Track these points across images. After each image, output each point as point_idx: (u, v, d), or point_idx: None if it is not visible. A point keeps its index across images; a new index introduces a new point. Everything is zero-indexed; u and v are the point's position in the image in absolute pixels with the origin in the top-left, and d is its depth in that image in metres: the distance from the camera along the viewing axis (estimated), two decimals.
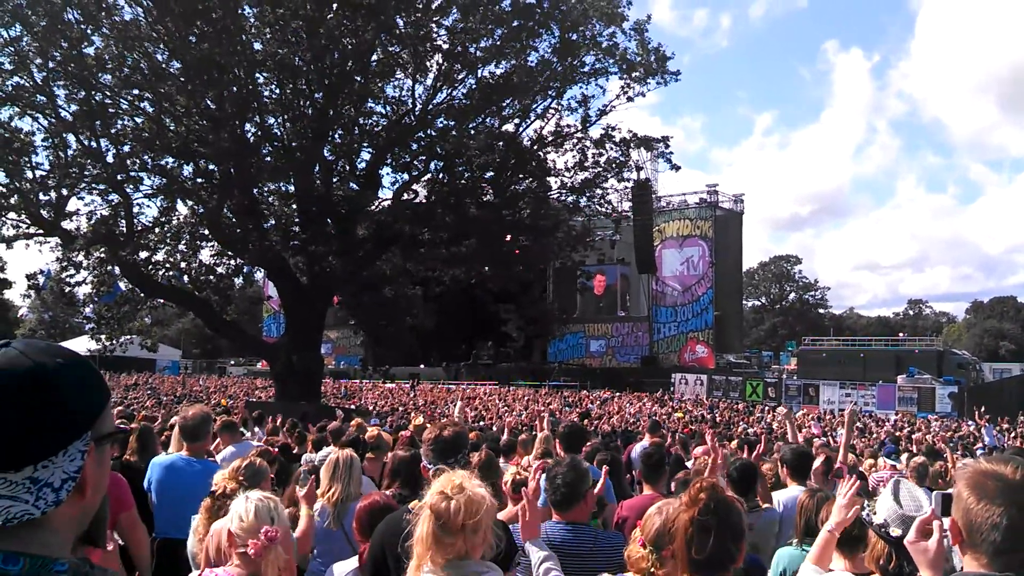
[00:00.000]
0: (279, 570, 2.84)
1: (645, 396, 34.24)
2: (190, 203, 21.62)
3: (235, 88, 19.48)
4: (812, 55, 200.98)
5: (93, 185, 20.44)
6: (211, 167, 20.97)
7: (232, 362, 60.00)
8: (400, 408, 23.70)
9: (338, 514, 4.37)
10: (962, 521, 1.77)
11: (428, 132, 22.31)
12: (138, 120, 20.31)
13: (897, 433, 18.94)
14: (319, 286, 20.99)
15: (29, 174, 19.70)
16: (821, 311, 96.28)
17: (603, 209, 24.90)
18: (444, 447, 3.84)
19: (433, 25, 21.10)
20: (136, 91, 19.80)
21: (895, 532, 2.76)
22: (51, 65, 18.83)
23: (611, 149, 23.23)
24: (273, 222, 22.24)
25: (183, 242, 21.40)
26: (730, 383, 38.48)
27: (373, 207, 22.88)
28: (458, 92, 22.49)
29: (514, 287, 32.44)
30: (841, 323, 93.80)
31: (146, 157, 20.32)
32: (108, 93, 19.65)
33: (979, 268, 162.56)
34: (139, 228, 21.47)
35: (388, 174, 25.34)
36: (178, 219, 21.93)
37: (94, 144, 19.55)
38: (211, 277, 21.93)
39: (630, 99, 23.28)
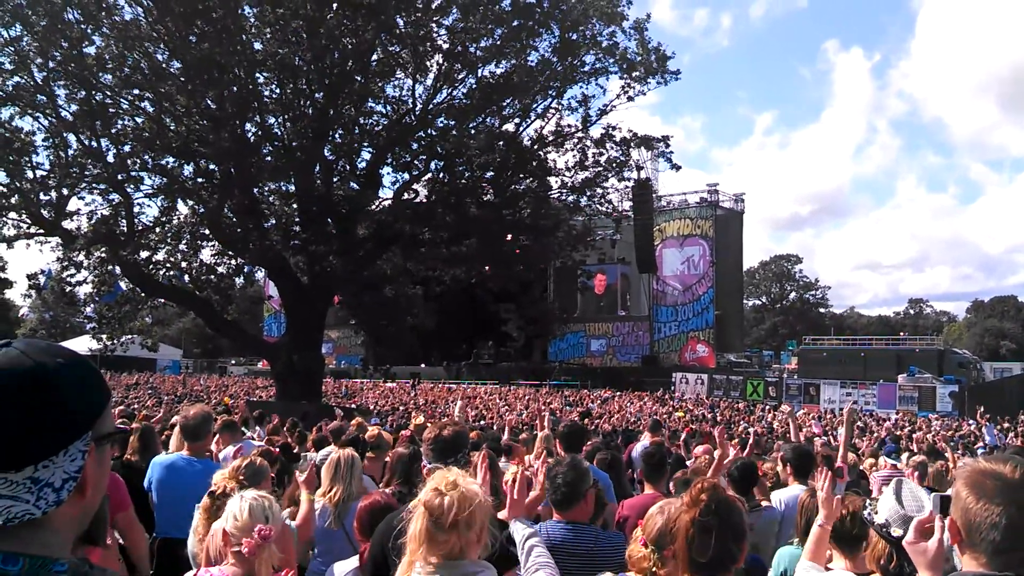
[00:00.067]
0: (274, 567, 2.85)
1: (646, 395, 34.26)
2: (191, 203, 21.62)
3: (235, 88, 19.48)
4: (812, 55, 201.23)
5: (94, 185, 20.45)
6: (211, 167, 20.97)
7: (233, 362, 60.01)
8: (401, 407, 23.71)
9: (339, 514, 4.37)
10: (961, 520, 1.77)
11: (428, 132, 22.31)
12: (138, 120, 20.31)
13: (898, 432, 18.94)
14: (320, 286, 20.99)
15: (30, 174, 19.70)
16: (822, 310, 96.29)
17: (603, 209, 24.89)
18: (444, 446, 3.84)
19: (433, 25, 21.09)
20: (136, 91, 19.80)
21: (896, 532, 2.76)
22: (51, 65, 18.83)
23: (611, 149, 23.23)
24: (274, 222, 22.24)
25: (184, 242, 21.40)
26: (731, 382, 38.48)
27: (373, 207, 22.88)
28: (458, 92, 22.50)
29: (514, 287, 32.40)
30: (842, 322, 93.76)
31: (147, 157, 20.32)
32: (108, 93, 19.65)
33: (979, 268, 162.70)
34: (140, 228, 21.47)
35: (388, 174, 25.40)
36: (179, 219, 21.94)
37: (94, 144, 19.55)
38: (212, 277, 21.93)
39: (630, 99, 23.28)
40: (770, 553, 4.41)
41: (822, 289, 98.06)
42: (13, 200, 19.51)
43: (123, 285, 22.02)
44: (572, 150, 23.53)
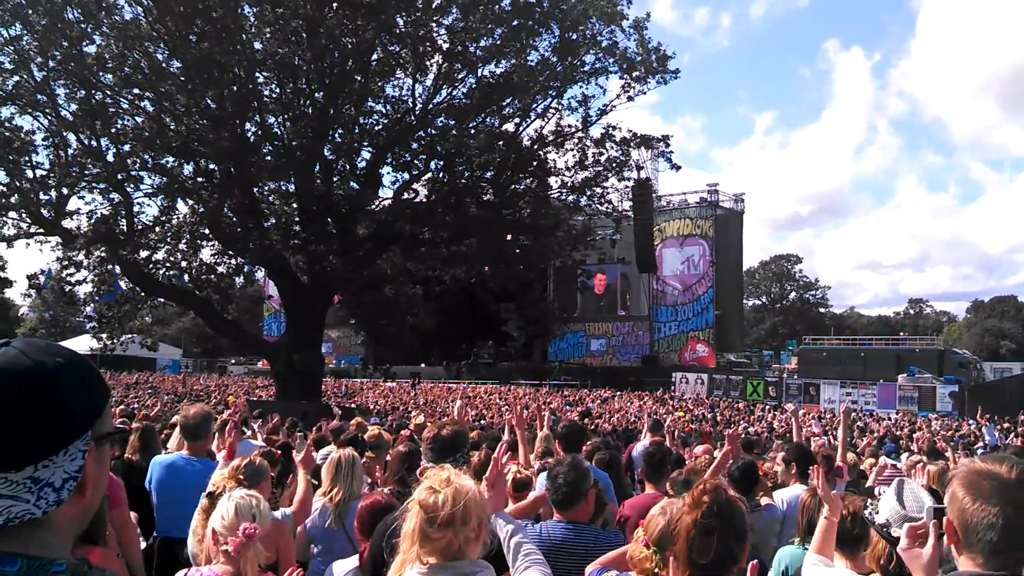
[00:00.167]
0: (261, 566, 2.86)
1: (646, 395, 34.26)
2: (190, 202, 21.61)
3: (235, 87, 19.47)
4: (813, 54, 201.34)
5: (93, 184, 20.43)
6: (211, 166, 20.96)
7: (233, 361, 60.00)
8: (400, 407, 23.71)
9: (339, 513, 4.38)
10: (958, 521, 1.77)
11: (428, 131, 22.30)
12: (138, 119, 20.31)
13: (897, 432, 18.94)
14: (320, 285, 20.99)
15: (29, 173, 19.69)
16: (822, 310, 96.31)
17: (603, 208, 24.88)
18: (443, 446, 3.84)
19: (433, 24, 21.09)
20: (136, 90, 19.80)
21: (897, 532, 2.76)
22: (51, 64, 18.81)
23: (611, 148, 23.22)
24: (273, 221, 22.22)
25: (183, 241, 21.38)
26: (731, 382, 38.49)
27: (373, 206, 22.87)
28: (458, 91, 22.49)
29: (514, 286, 32.40)
30: (842, 322, 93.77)
31: (146, 156, 20.31)
32: (108, 92, 19.65)
33: (980, 267, 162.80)
34: (139, 227, 21.46)
35: (388, 173, 25.40)
36: (178, 218, 21.92)
37: (94, 143, 19.54)
38: (212, 276, 21.92)
39: (630, 98, 23.27)
40: (771, 553, 4.41)
41: (822, 289, 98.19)
42: (13, 199, 19.49)
43: (123, 284, 22.02)
44: (572, 150, 23.54)
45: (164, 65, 19.72)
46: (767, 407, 29.15)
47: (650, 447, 6.41)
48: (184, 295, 22.47)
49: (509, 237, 23.36)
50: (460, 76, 22.12)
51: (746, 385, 37.24)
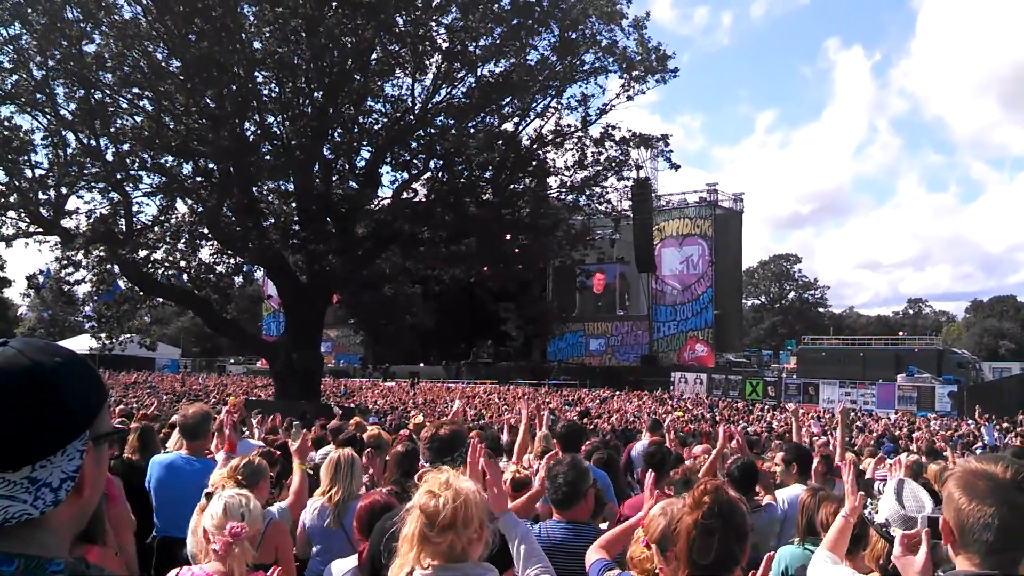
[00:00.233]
0: (249, 565, 2.87)
1: (645, 395, 34.26)
2: (189, 202, 21.62)
3: (234, 87, 19.47)
4: (813, 53, 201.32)
5: (92, 183, 20.43)
6: (211, 166, 20.96)
7: (232, 361, 59.98)
8: (400, 407, 23.70)
9: (339, 513, 4.37)
10: (954, 521, 1.78)
11: (428, 131, 22.31)
12: (137, 118, 20.30)
13: (896, 432, 18.95)
14: (319, 284, 20.98)
15: (28, 172, 19.69)
16: (821, 310, 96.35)
17: (602, 208, 24.89)
18: (442, 445, 3.83)
19: (432, 24, 21.09)
20: (136, 89, 19.79)
21: (895, 532, 2.76)
22: (51, 63, 18.80)
23: (611, 148, 23.23)
24: (272, 221, 22.23)
25: (182, 241, 21.39)
26: (730, 382, 38.50)
27: (373, 206, 22.87)
28: (457, 91, 22.50)
29: (514, 286, 32.42)
30: (841, 322, 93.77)
31: (145, 155, 20.30)
32: (108, 91, 19.64)
33: (980, 267, 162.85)
34: (138, 227, 21.45)
35: (387, 173, 25.37)
36: (177, 218, 21.93)
37: (93, 142, 19.53)
38: (211, 276, 21.93)
39: (630, 98, 23.29)
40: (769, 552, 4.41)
41: (821, 289, 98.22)
42: (12, 199, 19.49)
43: (122, 284, 22.02)
44: (571, 149, 23.56)
45: (163, 64, 19.71)
46: (766, 407, 29.16)
47: (650, 447, 6.41)
48: (183, 294, 22.46)
49: (508, 237, 23.37)
50: (459, 75, 22.12)
51: (745, 385, 37.25)
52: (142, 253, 20.92)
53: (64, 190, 20.17)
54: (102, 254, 20.07)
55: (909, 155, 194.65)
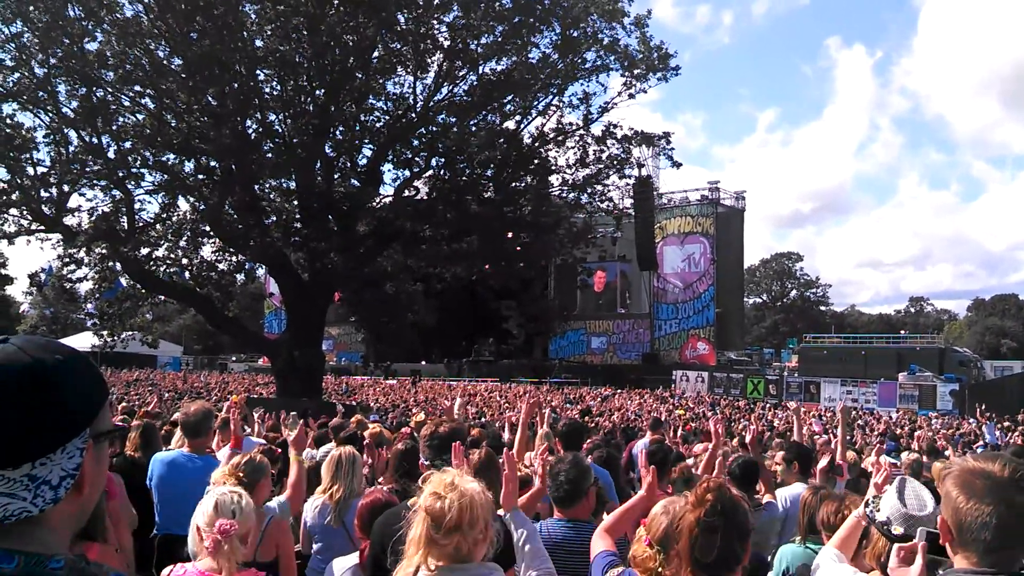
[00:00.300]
0: (240, 563, 2.87)
1: (646, 393, 34.23)
2: (191, 199, 21.63)
3: (236, 85, 19.48)
4: (814, 52, 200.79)
5: (94, 181, 20.47)
6: (212, 163, 20.97)
7: (233, 358, 60.00)
8: (401, 404, 23.70)
9: (340, 511, 4.37)
10: (952, 520, 1.78)
11: (429, 129, 22.31)
12: (139, 116, 20.33)
13: (898, 431, 18.93)
14: (320, 282, 21.00)
15: (30, 170, 19.72)
16: (822, 308, 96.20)
17: (604, 206, 24.89)
18: (441, 443, 3.83)
19: (434, 22, 21.09)
20: (137, 87, 19.82)
21: (896, 530, 2.75)
22: (52, 61, 18.84)
23: (612, 146, 23.24)
24: (274, 218, 22.25)
25: (184, 238, 21.41)
26: (731, 380, 38.45)
27: (374, 203, 22.89)
28: (459, 89, 22.52)
29: (515, 284, 32.41)
30: (842, 320, 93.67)
31: (147, 153, 20.34)
32: (109, 89, 19.66)
33: (981, 265, 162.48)
34: (140, 224, 21.48)
35: (389, 170, 25.38)
36: (179, 215, 21.96)
37: (95, 140, 19.56)
38: (212, 273, 21.96)
39: (631, 96, 23.31)
40: (770, 550, 4.41)
41: (823, 287, 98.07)
42: (14, 196, 19.53)
43: (124, 281, 22.04)
44: (573, 147, 23.59)
45: (165, 62, 19.73)
46: (768, 405, 29.12)
47: (651, 445, 6.41)
48: (185, 292, 22.49)
49: (510, 234, 23.37)
50: (461, 73, 22.13)
51: (747, 383, 37.20)
52: (144, 251, 20.95)
53: (66, 188, 20.21)
54: (104, 251, 20.09)
55: (910, 154, 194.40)
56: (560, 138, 23.65)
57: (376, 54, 21.18)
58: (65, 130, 19.68)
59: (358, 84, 20.50)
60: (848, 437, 9.64)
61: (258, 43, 20.22)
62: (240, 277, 24.60)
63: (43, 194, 19.85)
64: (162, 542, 4.86)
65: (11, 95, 19.04)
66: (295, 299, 21.88)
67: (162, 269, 21.84)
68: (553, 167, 24.13)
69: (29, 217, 20.07)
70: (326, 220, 21.45)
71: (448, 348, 49.90)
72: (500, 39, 21.29)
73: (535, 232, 23.45)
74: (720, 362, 46.22)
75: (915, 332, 68.59)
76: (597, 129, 23.36)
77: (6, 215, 19.97)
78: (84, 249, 19.99)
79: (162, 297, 23.35)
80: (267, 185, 22.69)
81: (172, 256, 21.68)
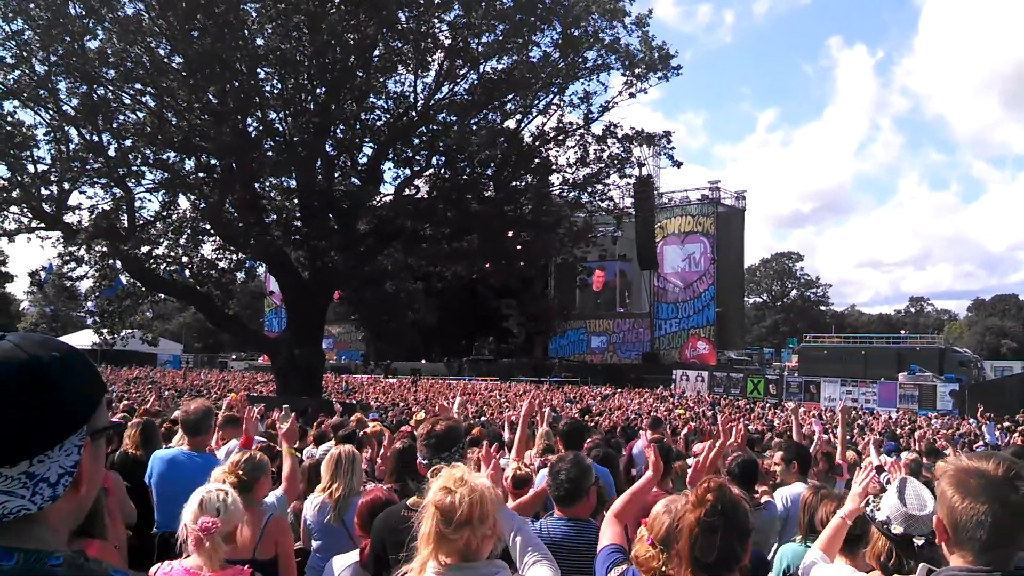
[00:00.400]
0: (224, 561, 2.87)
1: (646, 392, 34.23)
2: (192, 197, 21.63)
3: (237, 83, 19.48)
4: (815, 51, 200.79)
5: (95, 179, 20.47)
6: (213, 162, 20.97)
7: (233, 356, 59.96)
8: (401, 403, 23.70)
9: (339, 510, 4.37)
10: (947, 519, 1.79)
11: (430, 127, 22.30)
12: (140, 114, 20.32)
13: (897, 431, 18.91)
14: (321, 281, 21.00)
15: (31, 168, 19.71)
16: (823, 308, 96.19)
17: (605, 205, 24.90)
18: (438, 441, 3.81)
19: (435, 20, 21.09)
20: (138, 85, 19.81)
21: (896, 530, 2.76)
22: (53, 59, 18.83)
23: (613, 145, 23.25)
24: (275, 217, 22.24)
25: (184, 236, 21.41)
26: (731, 380, 38.45)
27: (375, 202, 22.88)
28: (460, 87, 22.52)
29: (515, 283, 32.41)
30: (842, 320, 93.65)
31: (148, 151, 20.34)
32: (110, 87, 19.65)
33: (981, 266, 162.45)
34: (141, 222, 21.48)
35: (390, 169, 25.38)
36: (179, 213, 21.95)
37: (96, 138, 19.56)
38: (212, 271, 21.96)
39: (632, 95, 23.30)
40: (769, 550, 4.41)
41: (823, 287, 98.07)
42: (14, 194, 19.53)
43: (124, 279, 22.04)
44: (573, 146, 23.61)
45: (166, 60, 19.73)
46: (767, 405, 29.13)
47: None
48: (185, 290, 22.49)
49: (510, 233, 23.37)
50: (462, 72, 22.13)
51: (747, 383, 37.19)
52: (144, 249, 20.94)
53: (66, 185, 20.20)
54: (104, 249, 20.08)
55: (910, 154, 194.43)
56: (561, 137, 23.66)
57: (377, 52, 21.17)
58: (65, 128, 19.67)
59: (359, 82, 20.49)
60: (848, 437, 9.64)
61: (259, 41, 20.22)
62: (240, 275, 24.60)
63: (43, 192, 19.85)
64: (162, 540, 4.86)
65: (12, 92, 19.03)
66: (295, 297, 21.88)
67: (162, 267, 21.82)
68: (553, 166, 24.15)
69: (29, 215, 20.06)
70: (326, 218, 21.45)
71: (448, 347, 49.91)
72: (501, 38, 21.29)
73: (535, 231, 23.46)
74: (720, 362, 46.23)
75: (915, 332, 68.57)
76: (598, 128, 23.41)
77: (6, 213, 19.96)
78: (84, 247, 19.98)
79: (162, 295, 23.35)
80: (267, 183, 22.69)
81: (172, 254, 21.68)
